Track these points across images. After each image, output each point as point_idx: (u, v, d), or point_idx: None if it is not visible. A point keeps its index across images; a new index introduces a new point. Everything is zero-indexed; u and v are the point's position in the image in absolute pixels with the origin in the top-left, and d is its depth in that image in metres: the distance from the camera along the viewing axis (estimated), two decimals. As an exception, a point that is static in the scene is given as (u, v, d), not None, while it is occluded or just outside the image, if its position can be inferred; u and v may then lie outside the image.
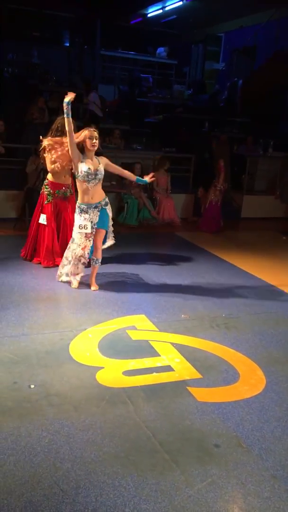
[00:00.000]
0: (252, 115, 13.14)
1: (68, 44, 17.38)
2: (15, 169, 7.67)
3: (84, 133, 4.73)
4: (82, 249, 4.89)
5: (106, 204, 4.93)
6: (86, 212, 4.80)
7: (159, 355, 3.73)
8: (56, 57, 16.22)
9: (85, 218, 4.81)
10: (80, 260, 4.96)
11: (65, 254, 5.08)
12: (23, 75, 13.70)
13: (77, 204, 4.89)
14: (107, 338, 3.96)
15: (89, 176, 4.72)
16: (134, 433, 2.79)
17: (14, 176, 7.76)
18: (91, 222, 4.82)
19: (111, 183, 8.43)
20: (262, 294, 5.29)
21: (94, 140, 4.72)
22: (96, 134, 4.75)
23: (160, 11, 14.16)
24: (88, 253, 4.94)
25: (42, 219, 5.55)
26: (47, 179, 5.55)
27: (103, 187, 7.77)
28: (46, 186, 5.55)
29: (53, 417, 2.87)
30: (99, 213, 4.86)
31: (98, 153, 4.97)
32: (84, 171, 4.69)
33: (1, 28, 13.94)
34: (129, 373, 3.44)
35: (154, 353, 3.76)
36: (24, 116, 9.32)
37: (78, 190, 4.85)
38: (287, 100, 13.12)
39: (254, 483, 2.48)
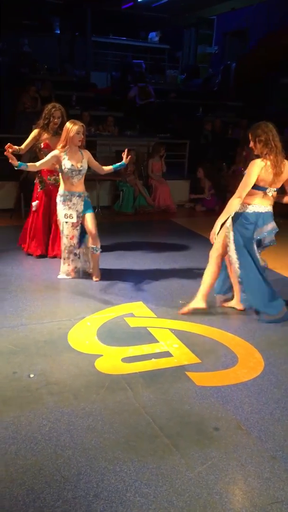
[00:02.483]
0: (246, 98, 13.04)
1: (58, 32, 17.16)
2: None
3: (72, 127, 4.64)
4: (70, 238, 4.86)
5: (88, 196, 4.92)
6: (70, 200, 4.77)
7: (158, 341, 3.74)
8: (47, 45, 16.01)
9: (69, 207, 4.78)
10: (71, 252, 4.92)
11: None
12: (14, 64, 13.54)
13: (60, 193, 4.85)
14: (106, 326, 3.97)
15: (73, 172, 4.70)
16: (134, 419, 2.81)
17: (8, 166, 7.70)
18: (77, 211, 4.79)
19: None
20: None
21: (82, 136, 4.68)
22: (83, 129, 4.70)
23: (151, -6, 13.98)
24: (77, 243, 4.91)
25: (34, 205, 5.55)
26: None
27: (98, 175, 7.76)
28: (39, 175, 5.55)
29: (53, 406, 2.89)
30: (82, 202, 4.82)
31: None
32: (68, 168, 4.68)
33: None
34: (128, 360, 3.45)
35: (152, 340, 3.77)
36: (16, 105, 9.24)
37: (62, 180, 4.84)
38: (280, 82, 13.02)
39: (254, 464, 2.50)
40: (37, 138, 5.40)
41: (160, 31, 17.78)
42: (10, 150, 4.52)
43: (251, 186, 3.93)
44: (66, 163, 4.67)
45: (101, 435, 2.66)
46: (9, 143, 4.60)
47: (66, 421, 2.75)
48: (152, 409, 2.90)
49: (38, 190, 5.57)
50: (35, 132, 5.40)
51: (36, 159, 5.80)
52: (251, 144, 4.02)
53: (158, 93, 14.26)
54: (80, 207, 4.81)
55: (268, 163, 3.89)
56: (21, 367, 3.29)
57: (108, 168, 5.05)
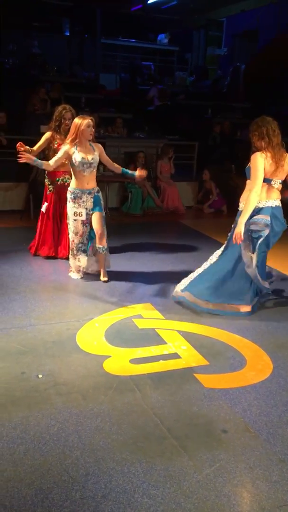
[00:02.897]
0: (255, 100, 13.01)
1: (68, 34, 17.23)
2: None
3: (82, 121, 4.63)
4: (80, 235, 4.86)
5: (98, 191, 4.89)
6: (80, 198, 4.75)
7: (166, 343, 3.74)
8: (57, 46, 16.10)
9: (79, 205, 4.76)
10: (79, 249, 4.91)
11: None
12: (23, 66, 13.61)
13: (70, 190, 4.81)
14: (114, 327, 3.97)
15: (84, 165, 4.68)
16: (142, 420, 2.81)
17: (18, 167, 7.75)
18: (86, 208, 4.78)
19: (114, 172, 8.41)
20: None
21: (92, 129, 4.67)
22: (93, 122, 4.69)
23: (160, -3, 14.03)
24: (87, 240, 4.91)
25: (43, 207, 5.57)
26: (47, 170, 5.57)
27: (107, 177, 7.80)
28: (47, 177, 5.56)
29: (61, 406, 2.90)
30: (92, 199, 4.81)
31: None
32: (79, 161, 4.65)
33: (0, 18, 13.83)
34: (136, 361, 3.46)
35: (160, 341, 3.77)
36: (26, 107, 9.28)
37: (73, 175, 4.81)
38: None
39: (262, 467, 2.49)
40: (50, 141, 5.41)
41: (169, 33, 17.80)
42: (22, 149, 4.55)
43: (262, 177, 3.99)
44: (77, 156, 4.64)
45: (109, 436, 2.66)
46: (20, 142, 4.62)
47: (74, 422, 2.76)
48: (160, 411, 2.90)
49: (48, 192, 5.58)
50: (47, 134, 5.41)
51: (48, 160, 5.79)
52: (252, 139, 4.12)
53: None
54: (90, 204, 4.80)
55: (269, 154, 3.99)
56: (30, 368, 3.30)
57: (118, 167, 5.04)
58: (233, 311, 4.29)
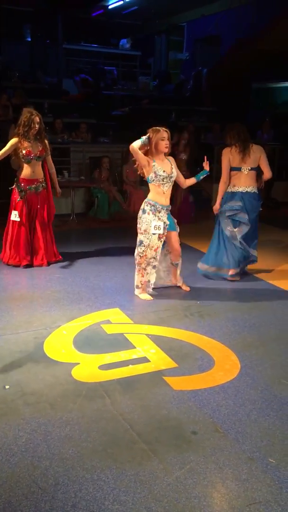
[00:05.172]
0: (218, 104, 13.20)
1: (30, 39, 17.08)
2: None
3: (156, 134, 4.41)
4: (155, 250, 4.62)
5: (169, 208, 4.70)
6: (159, 212, 4.55)
7: (135, 347, 3.74)
8: (18, 52, 15.92)
9: (159, 218, 4.55)
10: (150, 263, 4.68)
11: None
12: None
13: (151, 202, 4.56)
14: (82, 334, 3.95)
15: (165, 180, 4.49)
16: (112, 426, 2.79)
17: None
18: (164, 222, 4.58)
19: (80, 178, 8.39)
20: (235, 281, 5.33)
21: (167, 141, 4.45)
22: (168, 134, 4.45)
23: (121, 2, 13.99)
24: (158, 255, 4.69)
25: (14, 215, 5.47)
26: (18, 176, 5.48)
27: (73, 182, 7.74)
28: (18, 184, 5.46)
29: (29, 416, 2.85)
30: (167, 215, 4.62)
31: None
32: (160, 175, 4.46)
33: None
34: (105, 367, 3.44)
35: (129, 346, 3.76)
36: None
37: (152, 191, 4.57)
38: (252, 88, 13.23)
39: (232, 466, 2.52)
40: (17, 147, 5.32)
41: (131, 38, 17.86)
42: None
43: (227, 168, 5.12)
44: (158, 170, 4.45)
45: (78, 444, 2.64)
46: None
47: (43, 432, 2.72)
48: (129, 416, 2.89)
49: (17, 199, 5.47)
50: (13, 140, 5.32)
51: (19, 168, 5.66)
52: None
53: (131, 99, 14.32)
54: (166, 220, 4.60)
55: (237, 146, 5.04)
56: (-4, 379, 3.24)
57: (190, 181, 4.84)
58: (223, 274, 5.29)
